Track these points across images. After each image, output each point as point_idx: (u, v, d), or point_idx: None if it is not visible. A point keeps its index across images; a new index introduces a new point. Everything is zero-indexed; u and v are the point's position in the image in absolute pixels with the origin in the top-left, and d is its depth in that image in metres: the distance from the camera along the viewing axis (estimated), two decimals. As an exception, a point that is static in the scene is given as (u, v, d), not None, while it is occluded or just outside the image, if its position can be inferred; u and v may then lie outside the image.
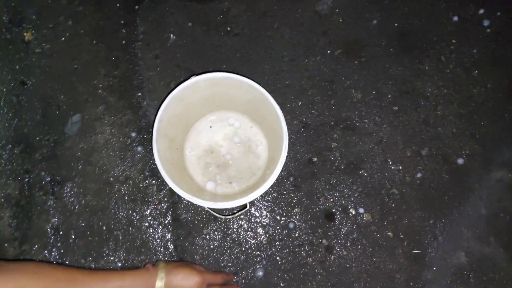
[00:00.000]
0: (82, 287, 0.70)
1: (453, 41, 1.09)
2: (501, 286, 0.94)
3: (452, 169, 1.01)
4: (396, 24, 1.10)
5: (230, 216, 0.88)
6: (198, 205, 0.97)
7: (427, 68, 1.07)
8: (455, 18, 1.10)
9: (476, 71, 1.07)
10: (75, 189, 0.94)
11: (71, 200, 0.93)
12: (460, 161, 1.01)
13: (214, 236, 0.96)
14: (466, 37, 1.10)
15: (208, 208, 0.91)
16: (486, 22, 1.10)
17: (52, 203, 0.93)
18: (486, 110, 1.04)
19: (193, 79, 0.78)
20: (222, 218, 0.94)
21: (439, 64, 1.07)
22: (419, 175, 1.00)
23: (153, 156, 0.74)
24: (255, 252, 0.95)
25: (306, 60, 1.08)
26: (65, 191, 0.94)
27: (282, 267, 0.94)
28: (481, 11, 1.11)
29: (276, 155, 0.82)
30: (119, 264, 0.91)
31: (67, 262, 0.91)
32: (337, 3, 1.12)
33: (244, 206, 0.80)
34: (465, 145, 1.02)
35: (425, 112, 1.04)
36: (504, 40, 1.09)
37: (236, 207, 0.96)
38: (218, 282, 0.84)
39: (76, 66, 1.02)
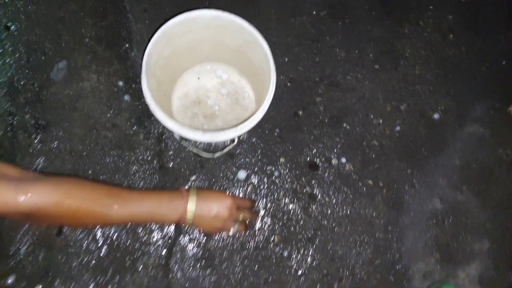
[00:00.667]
0: (122, 201, 0.70)
1: (430, 7, 1.16)
2: (472, 229, 1.00)
3: (429, 124, 1.07)
4: (377, -11, 1.16)
5: (218, 153, 0.90)
6: (184, 154, 0.98)
7: (406, 31, 1.13)
8: (432, -14, 1.17)
9: (452, 35, 1.14)
10: (60, 133, 0.94)
11: (55, 144, 0.93)
12: (436, 116, 1.07)
13: (200, 184, 0.97)
14: (443, 5, 1.17)
15: (196, 150, 0.93)
16: (460, -9, 1.18)
17: (36, 146, 0.92)
18: (460, 70, 1.11)
19: (183, 15, 0.79)
20: (211, 156, 0.95)
21: (418, 28, 1.14)
22: (398, 128, 1.05)
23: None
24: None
25: (293, 20, 1.11)
26: (50, 135, 0.93)
27: (266, 213, 0.97)
28: (456, -19, 1.19)
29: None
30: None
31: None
32: (322, -32, 1.16)
33: (232, 141, 0.82)
34: (440, 102, 1.08)
35: (404, 71, 1.10)
36: (476, 9, 1.17)
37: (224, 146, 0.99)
38: (246, 206, 0.87)
39: (62, 14, 1.02)
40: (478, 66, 1.11)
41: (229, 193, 0.86)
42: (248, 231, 0.94)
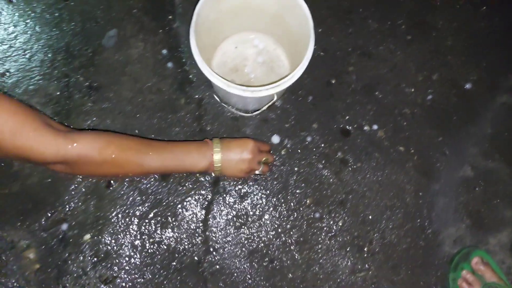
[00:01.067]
0: (155, 150, 0.74)
1: (463, -20, 1.09)
2: (504, 196, 0.93)
3: (460, 93, 0.99)
4: (410, -36, 1.10)
5: (257, 112, 0.88)
6: (222, 118, 0.96)
7: (438, 3, 1.06)
8: (466, -39, 1.10)
9: (484, 7, 1.05)
10: (111, 95, 0.93)
11: (106, 104, 0.92)
12: (467, 86, 1.00)
13: (237, 147, 0.95)
14: (475, -22, 1.09)
15: (235, 109, 0.91)
16: (494, -35, 1.10)
17: (89, 105, 0.91)
18: (492, 42, 1.03)
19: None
20: (250, 115, 0.93)
21: (450, 0, 1.07)
22: (429, 97, 0.99)
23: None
24: (274, 162, 0.95)
25: (326, -7, 1.07)
26: (101, 96, 0.92)
27: (299, 177, 0.94)
28: (490, -44, 1.10)
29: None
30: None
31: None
32: None
33: (271, 98, 0.80)
34: (472, 72, 1.01)
35: (436, 42, 1.03)
36: (510, -18, 1.09)
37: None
38: (267, 149, 0.87)
39: (112, -12, 1.02)
40: (510, 38, 1.04)
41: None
42: (270, 172, 0.92)
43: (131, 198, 0.87)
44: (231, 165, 0.79)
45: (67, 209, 0.85)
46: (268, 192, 0.91)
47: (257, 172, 0.85)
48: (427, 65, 1.00)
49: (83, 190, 0.86)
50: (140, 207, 0.87)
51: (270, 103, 0.80)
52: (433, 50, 1.01)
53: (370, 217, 0.91)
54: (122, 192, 0.87)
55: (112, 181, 0.88)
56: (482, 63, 1.00)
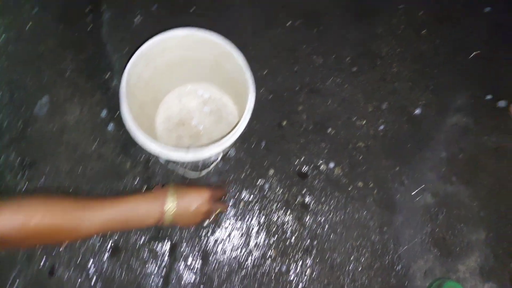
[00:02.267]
0: (92, 211, 0.57)
1: (401, 6, 0.99)
2: (467, 220, 0.84)
3: (411, 119, 0.90)
4: (347, -6, 1.00)
5: (204, 171, 0.75)
6: (173, 177, 0.83)
7: (380, 31, 0.96)
8: (400, -14, 1.01)
9: (425, 30, 0.97)
10: (47, 169, 0.78)
11: (42, 180, 0.78)
12: (417, 111, 0.90)
13: (193, 204, 0.82)
14: (413, 1, 1.00)
15: (182, 170, 0.78)
16: (428, -13, 1.01)
17: (23, 185, 0.77)
18: (437, 63, 0.94)
19: (158, 36, 0.65)
20: (198, 175, 0.80)
21: (391, 27, 0.97)
22: (381, 127, 0.89)
23: (125, 134, 0.60)
24: (233, 218, 0.82)
25: (268, 32, 0.95)
26: (36, 172, 0.78)
27: (260, 228, 0.81)
28: (423, -22, 1.02)
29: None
30: (97, 241, 0.76)
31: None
32: (292, -20, 1.00)
33: (217, 157, 0.67)
34: (420, 96, 0.92)
35: (382, 70, 0.93)
36: (446, 2, 1.00)
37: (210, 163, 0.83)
38: (221, 195, 0.73)
39: (42, 51, 0.86)
40: (454, 57, 0.95)
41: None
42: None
43: (78, 283, 0.72)
44: (183, 217, 0.66)
45: (6, 307, 0.69)
46: (230, 250, 0.78)
47: (205, 224, 0.75)
48: (375, 95, 0.90)
49: (22, 282, 0.70)
50: (90, 291, 0.72)
51: (217, 160, 0.67)
52: (379, 79, 0.91)
53: (338, 260, 0.80)
54: (67, 277, 0.72)
55: (55, 265, 0.72)
56: (429, 86, 0.92)
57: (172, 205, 0.62)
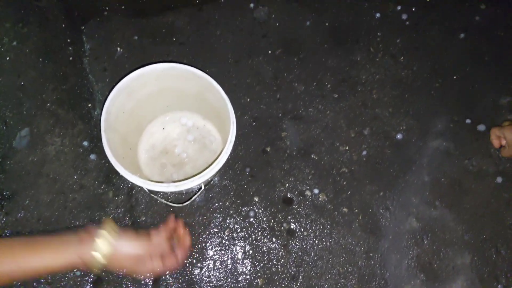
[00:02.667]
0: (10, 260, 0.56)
1: (378, 33, 1.19)
2: (452, 244, 0.98)
3: (393, 144, 1.06)
4: (327, 24, 1.18)
5: (187, 202, 0.87)
6: (156, 207, 0.95)
7: (359, 58, 1.15)
8: (378, 15, 1.20)
9: (402, 57, 1.16)
10: (27, 202, 0.89)
11: (22, 213, 0.88)
12: (399, 136, 1.07)
13: (176, 234, 0.93)
14: (389, 30, 1.19)
15: (165, 201, 0.90)
16: (404, 16, 1.21)
17: (2, 218, 0.87)
18: (415, 89, 1.12)
19: (137, 70, 0.79)
20: (181, 205, 0.91)
21: (369, 54, 1.16)
22: (364, 152, 1.04)
23: (107, 163, 0.71)
24: (218, 246, 0.94)
25: (250, 61, 1.12)
26: (16, 205, 0.88)
27: (246, 256, 0.93)
28: (399, 8, 1.22)
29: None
30: (78, 273, 0.86)
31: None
32: (272, 10, 1.19)
33: (199, 188, 0.80)
34: (401, 122, 1.08)
35: (363, 96, 1.11)
36: (422, 30, 1.20)
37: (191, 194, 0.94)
38: (179, 233, 0.69)
39: (22, 82, 1.00)
40: (432, 83, 1.13)
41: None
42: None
43: (58, 318, 0.81)
44: (124, 264, 0.62)
45: None
46: (215, 279, 0.89)
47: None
48: (357, 121, 1.06)
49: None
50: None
51: (199, 192, 0.80)
52: (361, 105, 1.08)
53: (325, 287, 0.91)
54: (48, 313, 0.81)
55: (35, 302, 0.82)
56: (409, 111, 1.08)
57: (104, 245, 0.58)
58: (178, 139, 0.99)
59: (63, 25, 1.10)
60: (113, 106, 0.76)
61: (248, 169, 1.00)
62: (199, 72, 0.79)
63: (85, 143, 0.97)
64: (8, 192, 0.89)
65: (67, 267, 0.58)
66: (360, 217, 0.98)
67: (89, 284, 0.85)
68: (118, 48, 1.09)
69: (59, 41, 1.08)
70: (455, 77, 1.15)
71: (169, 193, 0.97)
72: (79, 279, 0.85)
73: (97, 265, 0.58)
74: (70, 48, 1.08)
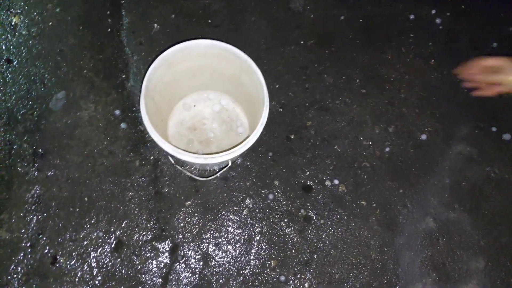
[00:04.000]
0: None
1: (411, 35, 1.21)
2: (467, 247, 0.99)
3: (417, 144, 1.08)
4: (361, 20, 1.21)
5: (212, 176, 0.90)
6: (179, 180, 0.98)
7: (389, 57, 1.18)
8: (412, 17, 1.23)
9: (433, 60, 1.18)
10: (58, 161, 0.94)
11: (53, 171, 0.93)
12: (423, 137, 1.09)
13: (196, 209, 0.96)
14: (422, 32, 1.22)
15: (190, 174, 0.93)
16: (438, 20, 1.23)
17: (33, 173, 0.92)
18: (443, 93, 1.14)
19: (182, 43, 0.82)
20: (205, 180, 0.95)
21: (400, 54, 1.18)
22: (387, 149, 1.07)
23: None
24: (236, 224, 0.97)
25: (282, 49, 1.16)
26: (48, 163, 0.93)
27: (262, 238, 0.96)
28: (433, 11, 1.24)
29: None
30: (101, 234, 0.90)
31: (47, 232, 0.89)
32: (308, 2, 1.22)
33: (226, 165, 0.83)
34: (427, 123, 1.10)
35: (390, 94, 1.13)
36: (454, 35, 1.22)
37: (217, 170, 0.98)
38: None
39: (62, 48, 1.04)
40: (460, 89, 1.14)
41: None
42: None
43: (79, 274, 0.85)
44: None
45: (6, 292, 0.82)
46: (230, 256, 0.92)
47: None
48: (383, 118, 1.08)
49: (25, 269, 0.83)
50: (90, 283, 0.85)
51: (225, 168, 0.83)
52: (387, 103, 1.10)
53: (336, 276, 0.94)
54: (69, 268, 0.85)
55: (58, 256, 0.86)
56: (435, 113, 1.10)
57: None
58: (208, 118, 1.03)
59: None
60: (154, 75, 0.80)
61: (270, 154, 1.03)
62: (240, 52, 0.82)
63: (117, 112, 1.01)
64: (41, 150, 0.94)
65: None
66: (378, 212, 1.00)
67: (110, 246, 0.89)
68: (155, 25, 1.13)
69: (99, 13, 1.13)
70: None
71: (193, 168, 1.00)
72: (100, 240, 0.89)
73: None
74: (109, 20, 1.12)
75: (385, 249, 0.97)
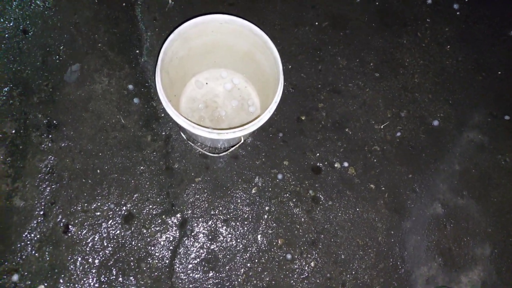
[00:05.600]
0: None
1: (427, 20, 1.18)
2: (474, 234, 0.99)
3: (428, 130, 1.07)
4: (377, 3, 1.18)
5: (224, 153, 0.90)
6: (190, 156, 0.98)
7: (405, 41, 1.15)
8: (429, 1, 1.19)
9: (448, 46, 1.15)
10: (71, 133, 0.93)
11: (66, 143, 0.93)
12: (435, 122, 1.07)
13: (206, 185, 0.96)
14: (439, 18, 1.18)
15: (202, 150, 0.93)
16: (456, 6, 1.20)
17: (47, 144, 0.92)
18: (458, 79, 1.12)
19: (198, 18, 0.80)
20: (216, 155, 0.95)
21: (416, 39, 1.15)
22: (398, 134, 1.05)
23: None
24: (245, 201, 0.97)
25: (296, 30, 1.13)
26: (61, 134, 0.93)
27: (270, 216, 0.96)
28: (452, -3, 1.21)
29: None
30: (112, 206, 0.90)
31: (59, 201, 0.89)
32: (324, -17, 1.19)
33: (237, 142, 0.82)
34: (439, 109, 1.09)
35: (404, 79, 1.11)
36: (471, 22, 1.19)
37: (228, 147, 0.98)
38: None
39: (77, 20, 1.03)
40: (475, 76, 1.12)
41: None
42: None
43: (90, 244, 0.86)
44: None
45: (19, 258, 0.83)
46: (238, 232, 0.92)
47: None
48: (395, 102, 1.06)
49: (38, 236, 0.84)
50: (100, 253, 0.86)
51: (237, 145, 0.82)
52: (401, 87, 1.08)
53: (342, 256, 0.94)
54: (81, 237, 0.86)
55: (70, 225, 0.86)
56: (448, 100, 1.08)
57: None
58: (219, 96, 1.02)
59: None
60: (170, 48, 0.79)
61: (281, 134, 1.02)
62: (256, 28, 0.80)
63: (130, 87, 1.00)
64: (55, 121, 0.93)
65: None
66: (386, 195, 0.99)
67: (120, 218, 0.89)
68: (170, 1, 1.11)
69: (114, -13, 1.11)
70: (499, 72, 1.13)
71: (203, 145, 0.99)
72: (111, 212, 0.90)
73: None
74: (124, -5, 1.10)
75: (392, 232, 0.97)
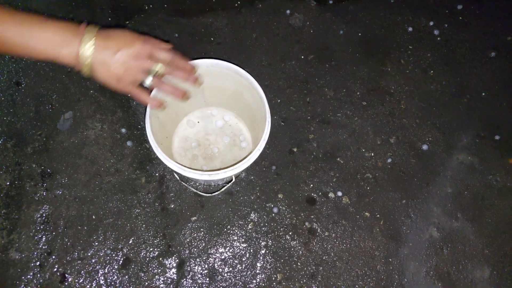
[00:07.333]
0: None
1: (410, 47, 1.21)
2: (471, 256, 0.98)
3: (418, 154, 1.07)
4: (360, 34, 1.21)
5: (217, 192, 0.90)
6: (185, 196, 0.98)
7: (389, 69, 1.17)
8: (410, 29, 1.23)
9: (432, 71, 1.18)
10: (66, 180, 0.94)
11: (61, 191, 0.93)
12: (424, 147, 1.08)
13: (202, 224, 0.96)
14: (421, 44, 1.22)
15: (195, 190, 0.93)
16: (436, 32, 1.23)
17: (42, 193, 0.92)
18: (443, 103, 1.14)
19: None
20: (210, 195, 0.95)
21: (400, 66, 1.18)
22: (389, 160, 1.06)
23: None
24: (242, 238, 0.96)
25: (283, 64, 1.16)
26: (56, 182, 0.93)
27: (267, 251, 0.95)
28: (431, 23, 1.24)
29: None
30: (108, 252, 0.90)
31: (55, 251, 0.89)
32: (307, 18, 1.23)
33: (230, 180, 0.82)
34: (428, 133, 1.10)
35: (390, 106, 1.12)
36: (453, 46, 1.22)
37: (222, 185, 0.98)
38: (164, 57, 0.67)
39: (69, 69, 1.06)
40: (460, 98, 1.14)
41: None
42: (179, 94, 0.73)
43: (88, 293, 0.84)
44: (105, 64, 0.59)
45: (16, 311, 0.81)
46: (236, 270, 0.91)
47: (146, 83, 0.67)
48: (384, 129, 1.08)
49: (35, 287, 0.83)
50: (98, 301, 0.84)
51: (229, 184, 0.83)
52: (388, 114, 1.10)
53: (342, 287, 0.93)
54: (78, 286, 0.85)
55: (66, 274, 0.85)
56: (436, 123, 1.10)
57: (88, 44, 0.57)
58: (211, 134, 1.03)
59: (109, 19, 1.16)
60: (158, 94, 0.80)
61: (274, 167, 1.03)
62: (241, 70, 0.82)
63: (123, 130, 1.01)
64: (49, 170, 0.94)
65: (56, 53, 0.57)
66: (382, 223, 0.99)
67: (117, 263, 0.88)
68: (159, 44, 1.14)
69: (105, 34, 1.14)
70: (483, 94, 1.16)
71: (197, 183, 1.00)
72: (108, 258, 0.89)
73: (86, 64, 0.58)
74: (114, 41, 1.13)
75: (390, 259, 0.96)
